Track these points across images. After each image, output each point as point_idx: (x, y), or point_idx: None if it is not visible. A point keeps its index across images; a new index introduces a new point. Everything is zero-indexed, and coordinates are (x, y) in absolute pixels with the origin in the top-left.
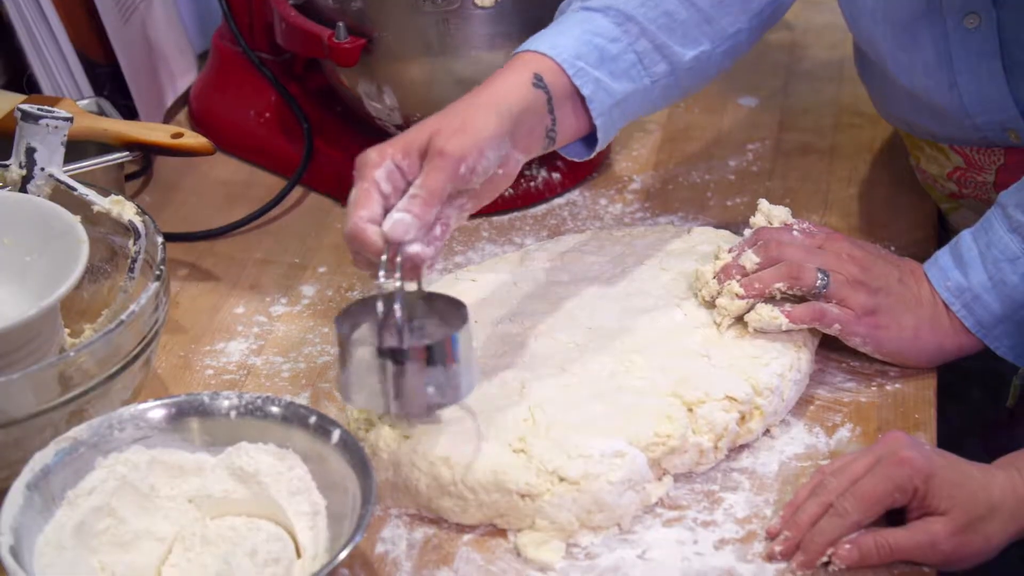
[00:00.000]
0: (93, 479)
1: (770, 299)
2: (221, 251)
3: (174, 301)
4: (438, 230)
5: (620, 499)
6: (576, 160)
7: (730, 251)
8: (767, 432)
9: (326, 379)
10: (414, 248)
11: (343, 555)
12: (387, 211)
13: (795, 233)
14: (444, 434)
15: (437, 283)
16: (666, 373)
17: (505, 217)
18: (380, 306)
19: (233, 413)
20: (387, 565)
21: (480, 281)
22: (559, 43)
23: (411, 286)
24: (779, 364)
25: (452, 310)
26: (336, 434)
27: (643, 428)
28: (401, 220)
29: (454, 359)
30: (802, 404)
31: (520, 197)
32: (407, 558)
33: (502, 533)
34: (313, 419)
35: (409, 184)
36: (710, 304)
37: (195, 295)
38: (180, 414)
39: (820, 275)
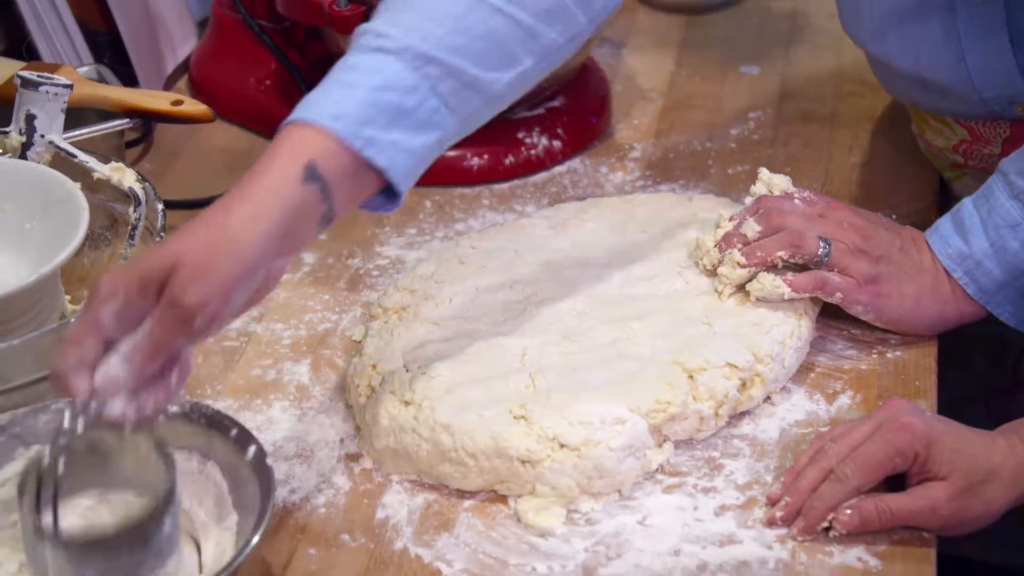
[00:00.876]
0: (8, 471)
1: (772, 268)
2: None
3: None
4: (174, 379)
5: (621, 465)
6: (376, 212)
7: (731, 219)
8: (768, 399)
9: (327, 346)
10: (114, 409)
11: None
12: (112, 345)
13: (796, 201)
14: (445, 401)
15: (440, 250)
16: (667, 340)
17: (506, 185)
18: (45, 461)
19: (161, 415)
20: (388, 531)
21: (480, 248)
22: (342, 110)
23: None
24: (780, 331)
25: (158, 472)
26: (252, 450)
27: (644, 395)
28: (112, 377)
29: (128, 552)
30: (803, 371)
31: (521, 165)
32: (408, 523)
33: (503, 499)
34: (235, 431)
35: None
36: (711, 272)
37: None
38: None
39: (822, 243)
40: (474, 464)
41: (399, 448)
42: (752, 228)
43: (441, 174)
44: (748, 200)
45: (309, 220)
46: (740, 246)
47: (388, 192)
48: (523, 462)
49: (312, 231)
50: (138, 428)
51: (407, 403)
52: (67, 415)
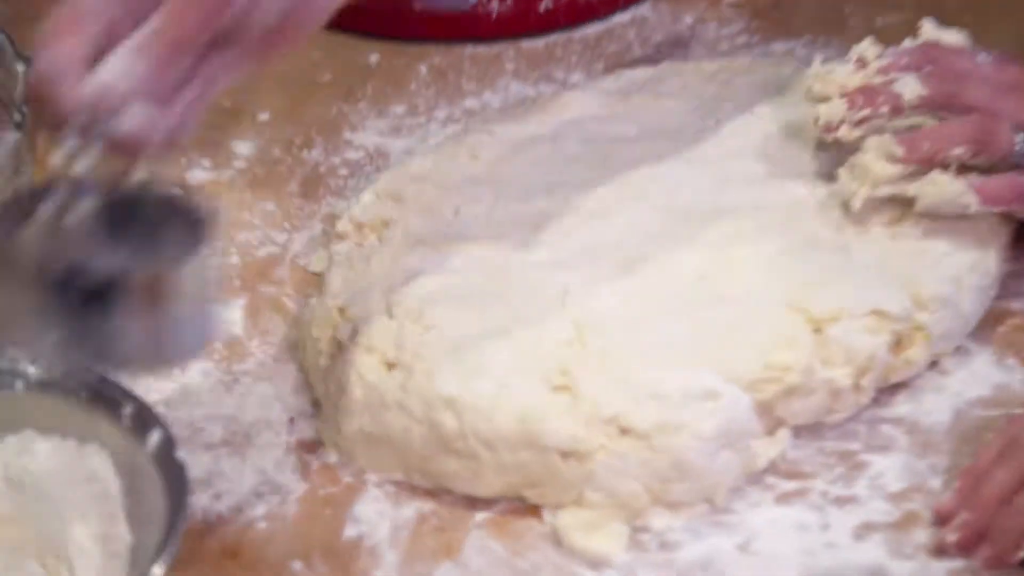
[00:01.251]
0: None
1: (942, 167)
2: None
3: (43, 162)
4: (190, 93)
5: (712, 462)
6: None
7: (879, 59)
8: (935, 365)
9: (271, 280)
10: (132, 121)
11: None
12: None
13: (982, 59)
14: (447, 363)
15: (441, 135)
16: (782, 276)
17: (540, 42)
18: (52, 203)
19: (19, 384)
20: (361, 556)
21: (499, 136)
22: None
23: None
24: (954, 264)
25: (187, 221)
26: (155, 437)
27: (747, 357)
28: (119, 69)
29: (163, 299)
30: (988, 324)
31: (562, 12)
32: (391, 545)
33: (533, 511)
34: (129, 408)
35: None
36: (824, 133)
37: None
38: None
39: (1020, 138)
40: (491, 458)
41: (378, 433)
42: (912, 88)
43: (443, 23)
44: (908, 42)
45: None
46: (887, 110)
47: None
48: (565, 455)
49: None
50: (159, 157)
51: (391, 365)
52: (67, 143)
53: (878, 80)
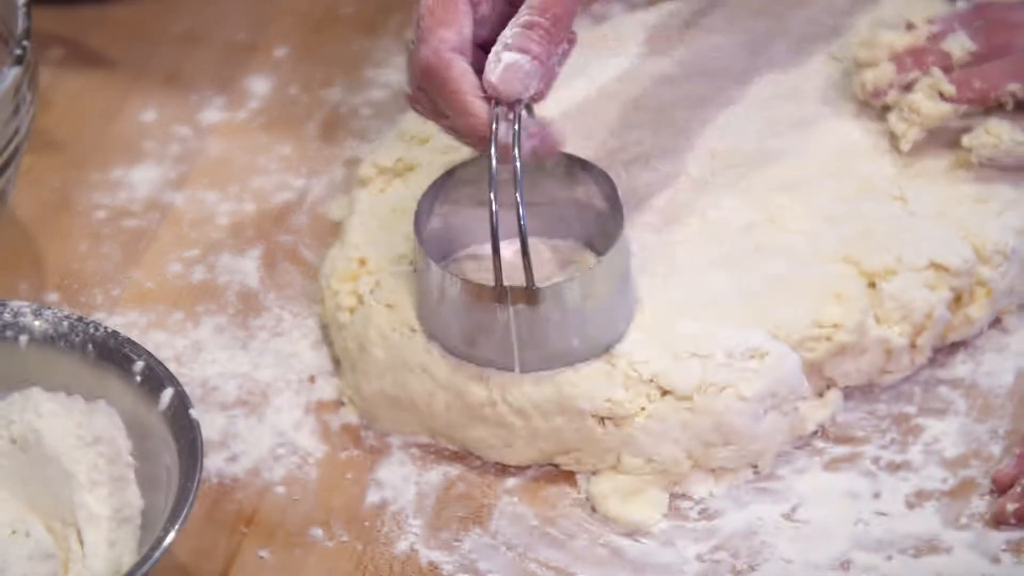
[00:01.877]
0: None
1: (996, 108)
2: (118, 20)
3: (45, 100)
4: (555, 59)
5: (757, 425)
6: None
7: (931, 23)
8: (996, 323)
9: (288, 228)
10: (537, 93)
11: None
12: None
13: None
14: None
15: None
16: (834, 225)
17: None
18: (493, 218)
19: (23, 339)
20: (385, 522)
21: None
22: None
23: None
24: (1018, 214)
25: (590, 182)
26: (167, 396)
27: (796, 312)
28: (516, 66)
29: (606, 289)
30: None
31: None
32: (417, 513)
33: (567, 476)
34: (140, 364)
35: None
36: (874, 103)
37: (78, 91)
38: None
39: None
40: (523, 426)
41: (401, 397)
42: (962, 44)
43: None
44: (962, 3)
45: None
46: (938, 70)
47: None
48: (602, 419)
49: None
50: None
51: (397, 313)
52: (492, 149)
53: (927, 32)
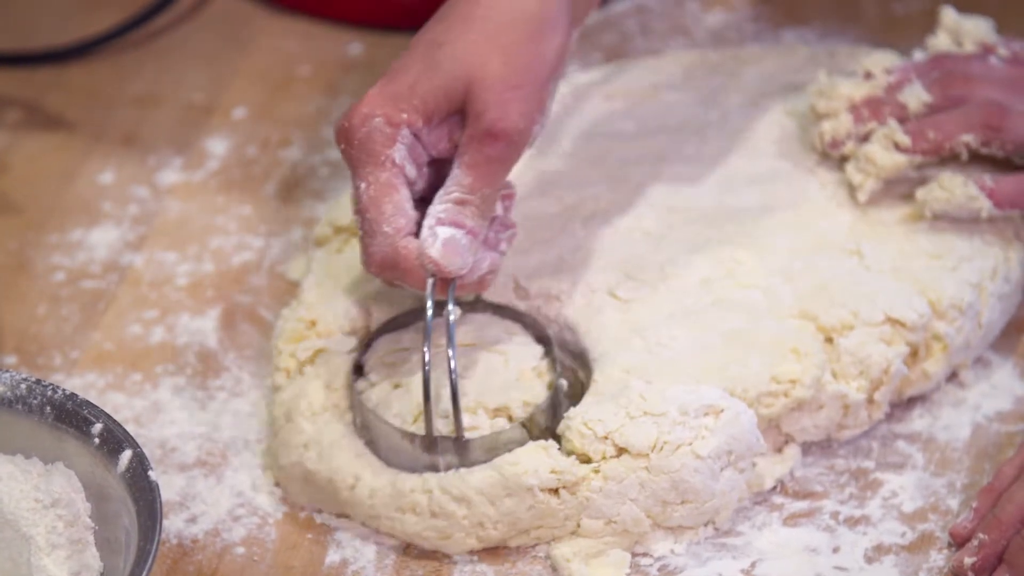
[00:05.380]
0: None
1: (951, 158)
2: (76, 82)
3: (2, 163)
4: (493, 233)
5: (715, 482)
6: None
7: (888, 72)
8: (953, 378)
9: (247, 288)
10: (478, 271)
11: None
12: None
13: (994, 62)
14: (409, 377)
15: None
16: (791, 280)
17: None
18: (425, 371)
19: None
20: None
21: None
22: None
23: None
24: (974, 269)
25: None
26: (126, 458)
27: (753, 368)
28: (453, 241)
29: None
30: (1010, 334)
31: None
32: (377, 572)
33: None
34: (98, 426)
35: (431, 157)
36: (833, 154)
37: (35, 154)
38: None
39: None
40: (467, 515)
41: (320, 473)
42: (917, 96)
43: (429, 11)
44: (919, 55)
45: None
46: (894, 121)
47: None
48: (554, 491)
49: None
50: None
51: (333, 389)
52: (428, 307)
53: (884, 82)
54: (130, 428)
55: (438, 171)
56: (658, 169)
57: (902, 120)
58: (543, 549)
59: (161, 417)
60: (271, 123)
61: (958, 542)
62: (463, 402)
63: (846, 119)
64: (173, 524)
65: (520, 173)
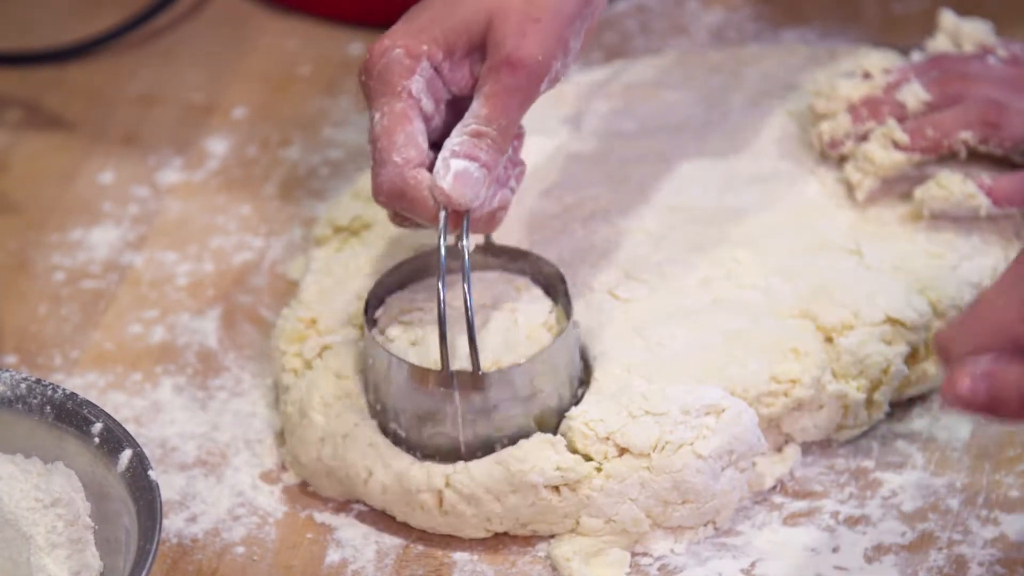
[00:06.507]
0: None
1: (950, 156)
2: (76, 82)
3: (3, 162)
4: (502, 170)
5: (715, 482)
6: None
7: (886, 72)
8: None
9: (247, 288)
10: (489, 206)
11: None
12: (430, 142)
13: (992, 61)
14: (425, 332)
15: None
16: (791, 280)
17: None
18: (441, 305)
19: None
20: None
21: None
22: None
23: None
24: (974, 268)
25: (538, 270)
26: (126, 457)
27: (753, 368)
28: (466, 174)
29: (554, 371)
30: None
31: None
32: (377, 572)
33: (528, 535)
34: (98, 425)
35: (452, 95)
36: (833, 154)
37: (36, 153)
38: None
39: None
40: (475, 513)
41: (337, 468)
42: (916, 95)
43: None
44: (916, 56)
45: None
46: (891, 120)
47: None
48: (556, 488)
49: None
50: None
51: (345, 379)
52: (441, 242)
53: (882, 82)
54: (130, 428)
55: (458, 111)
56: (658, 169)
57: (901, 119)
58: (543, 549)
59: (161, 417)
60: (271, 123)
61: (943, 352)
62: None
63: (844, 119)
64: (173, 524)
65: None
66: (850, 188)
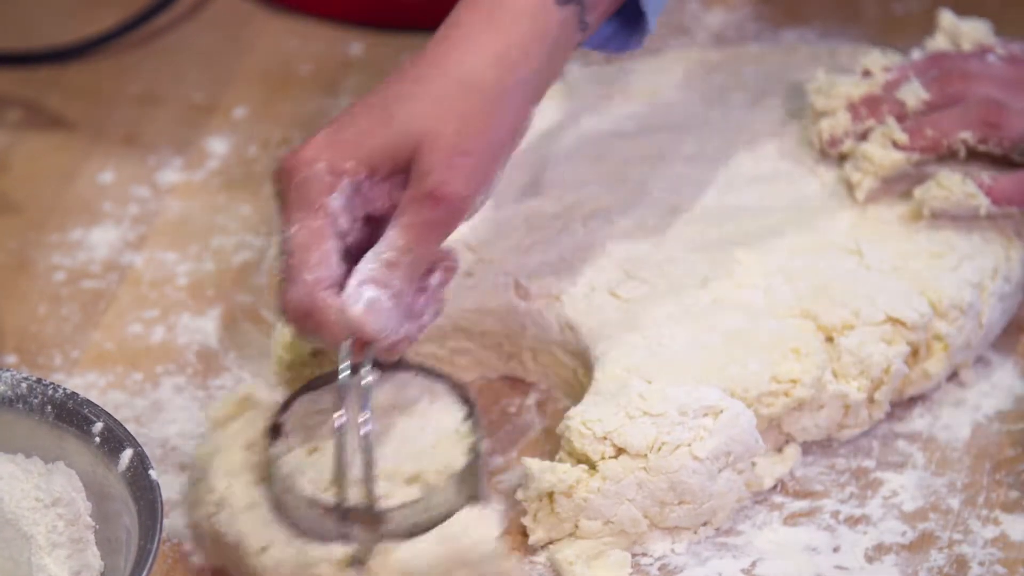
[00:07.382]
0: None
1: (949, 155)
2: (76, 82)
3: (2, 162)
4: (434, 280)
5: (712, 483)
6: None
7: (886, 71)
8: (953, 377)
9: (248, 288)
10: (396, 338)
11: None
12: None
13: (991, 60)
14: (325, 441)
15: None
16: (792, 280)
17: None
18: (338, 438)
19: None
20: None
21: None
22: None
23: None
24: (974, 268)
25: (442, 396)
26: (127, 456)
27: (754, 368)
28: (377, 303)
29: (456, 502)
30: (1011, 334)
31: None
32: None
33: (524, 540)
34: (99, 425)
35: (367, 216)
36: (833, 152)
37: (36, 153)
38: None
39: None
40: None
41: (221, 538)
42: (915, 94)
43: (430, 10)
44: (916, 53)
45: (564, 54)
46: (890, 119)
47: (629, 15)
48: (551, 496)
49: (561, 67)
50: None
51: (254, 452)
52: (343, 367)
53: (882, 80)
54: (131, 427)
55: (371, 229)
56: (658, 168)
57: (900, 118)
58: (543, 552)
59: (162, 416)
60: (271, 123)
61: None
62: (377, 470)
63: (844, 117)
64: (174, 523)
65: (520, 172)
66: (850, 188)
